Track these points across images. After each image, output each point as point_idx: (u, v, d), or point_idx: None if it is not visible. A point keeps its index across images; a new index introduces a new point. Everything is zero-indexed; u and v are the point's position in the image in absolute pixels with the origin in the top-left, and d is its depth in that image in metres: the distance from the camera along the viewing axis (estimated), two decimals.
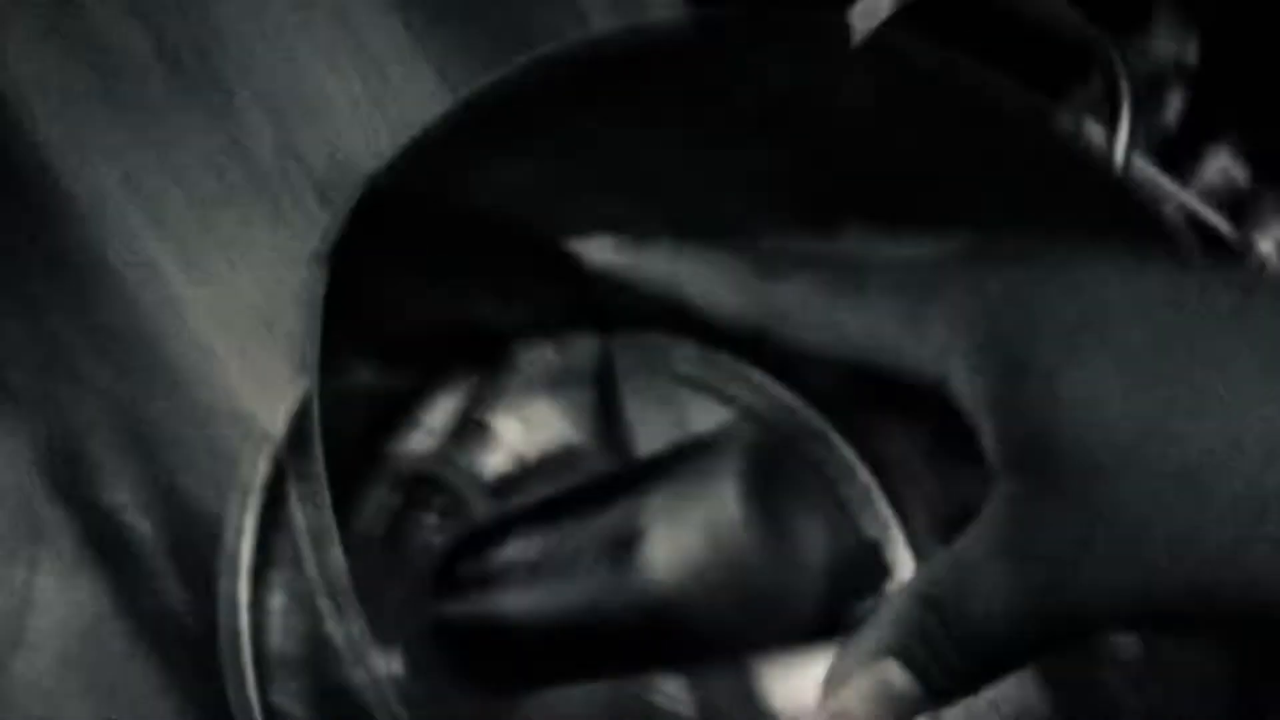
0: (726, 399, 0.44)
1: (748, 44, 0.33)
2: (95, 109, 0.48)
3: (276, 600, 0.40)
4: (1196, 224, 0.46)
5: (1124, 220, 0.34)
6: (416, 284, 0.37)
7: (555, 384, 0.42)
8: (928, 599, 0.23)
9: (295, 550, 0.40)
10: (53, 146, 0.46)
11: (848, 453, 0.43)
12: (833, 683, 0.24)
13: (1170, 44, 0.49)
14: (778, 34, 0.33)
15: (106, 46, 0.49)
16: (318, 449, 0.27)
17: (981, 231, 0.26)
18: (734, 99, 0.35)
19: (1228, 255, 0.46)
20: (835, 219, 0.28)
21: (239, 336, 0.45)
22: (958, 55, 0.34)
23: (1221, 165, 0.48)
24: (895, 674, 0.23)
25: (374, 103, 0.52)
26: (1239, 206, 0.47)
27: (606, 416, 0.42)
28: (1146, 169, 0.45)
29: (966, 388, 0.24)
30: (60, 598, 0.42)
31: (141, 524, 0.44)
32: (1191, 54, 0.49)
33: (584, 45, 0.33)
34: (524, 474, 0.41)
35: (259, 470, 0.41)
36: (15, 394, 0.44)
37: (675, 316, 0.28)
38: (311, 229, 0.47)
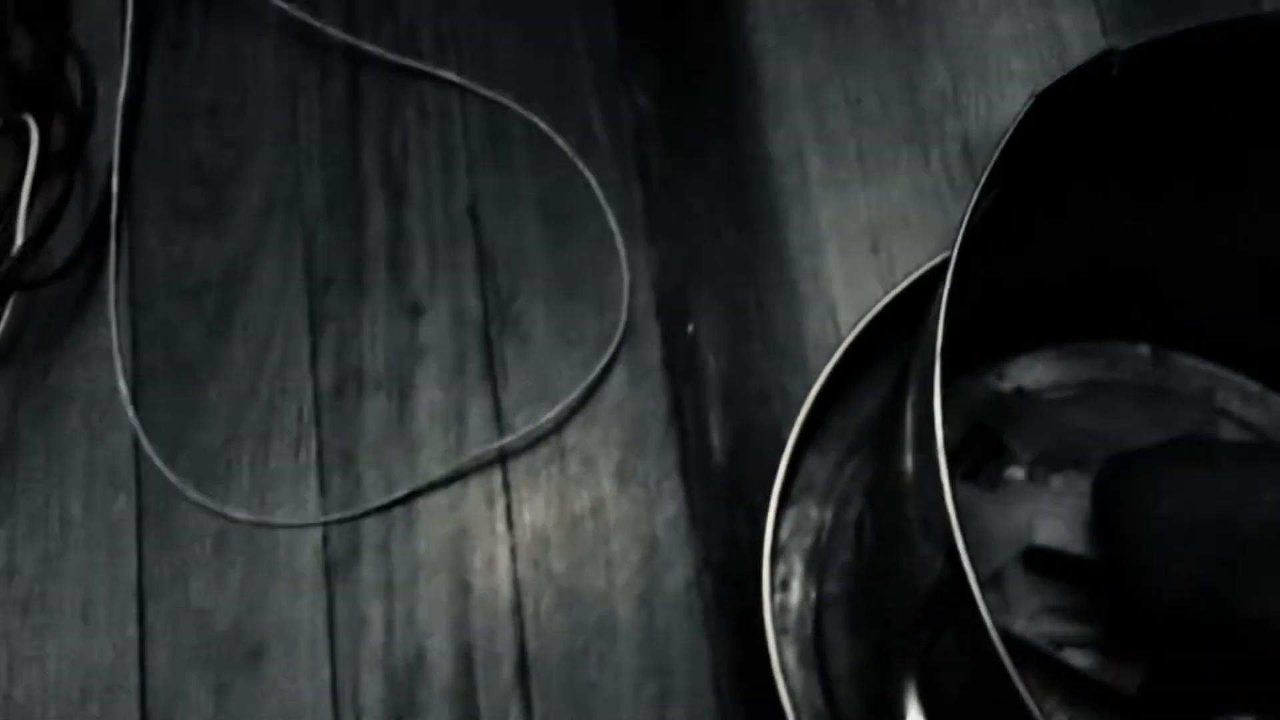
0: None
1: None
2: (810, 19, 0.54)
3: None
4: None
5: None
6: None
7: None
8: None
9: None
10: (767, 41, 0.54)
11: None
12: None
13: None
14: None
15: None
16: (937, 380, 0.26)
17: None
18: None
19: None
20: None
21: (846, 243, 0.50)
22: None
23: None
24: None
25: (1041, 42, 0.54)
26: None
27: None
28: None
29: None
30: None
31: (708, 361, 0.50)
32: None
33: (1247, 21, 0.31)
34: None
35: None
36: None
37: None
38: (946, 179, 0.51)
